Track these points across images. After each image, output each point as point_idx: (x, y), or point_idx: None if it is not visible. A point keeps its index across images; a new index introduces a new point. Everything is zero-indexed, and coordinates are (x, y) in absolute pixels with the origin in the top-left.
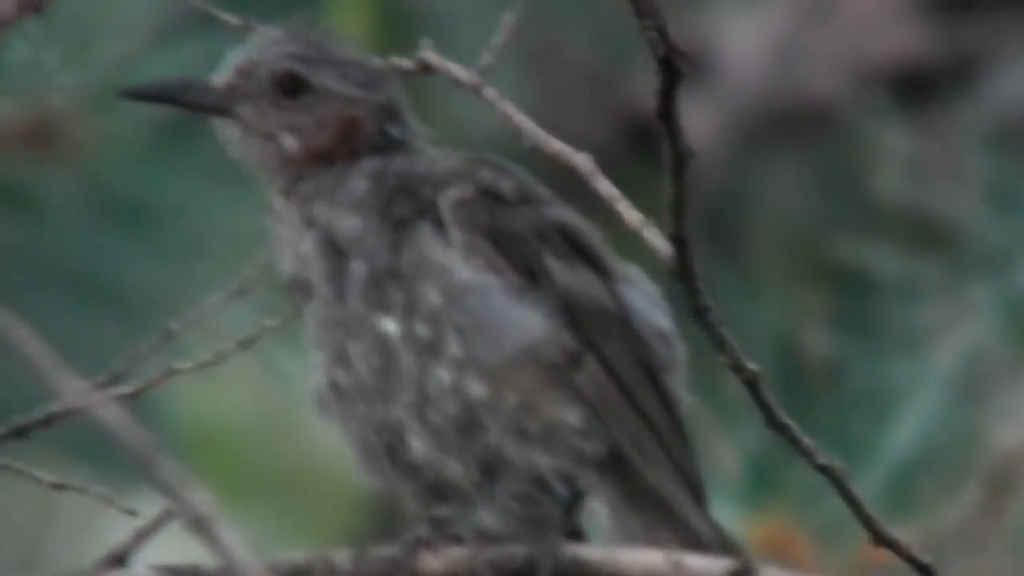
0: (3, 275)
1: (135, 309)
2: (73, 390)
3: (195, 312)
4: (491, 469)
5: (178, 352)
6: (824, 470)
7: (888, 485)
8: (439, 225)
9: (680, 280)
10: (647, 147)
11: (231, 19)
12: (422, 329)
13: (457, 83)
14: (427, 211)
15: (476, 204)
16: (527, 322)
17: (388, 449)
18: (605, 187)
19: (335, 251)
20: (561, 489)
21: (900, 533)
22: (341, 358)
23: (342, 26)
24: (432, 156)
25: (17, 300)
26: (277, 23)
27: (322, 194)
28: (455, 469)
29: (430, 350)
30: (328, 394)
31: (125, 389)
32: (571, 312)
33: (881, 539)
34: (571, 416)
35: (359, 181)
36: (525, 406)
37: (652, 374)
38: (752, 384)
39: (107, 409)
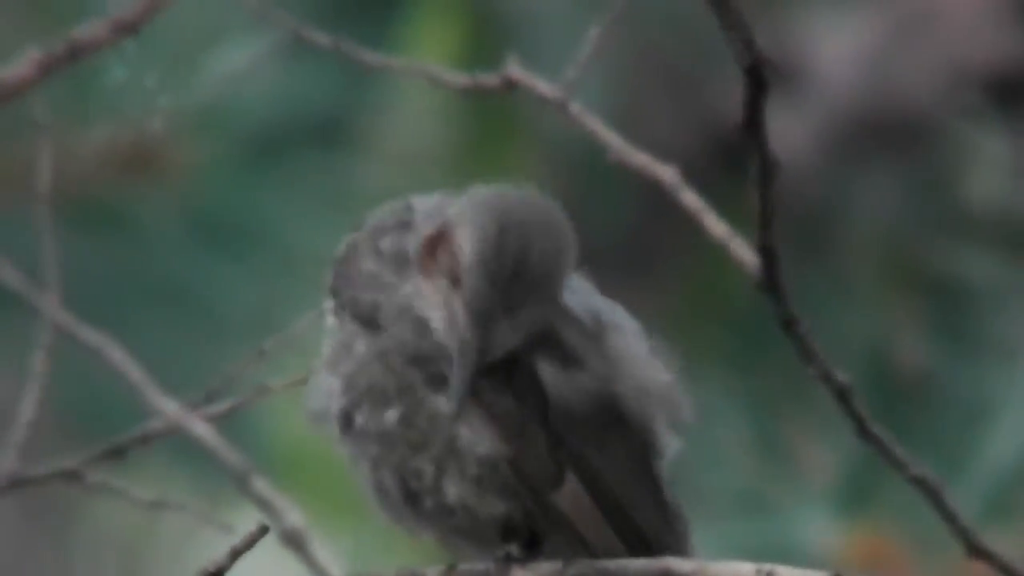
0: (100, 295)
1: (230, 328)
2: (169, 408)
3: (287, 331)
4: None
5: (272, 370)
6: (918, 481)
7: (985, 496)
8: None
9: (767, 292)
10: (736, 158)
11: (323, 40)
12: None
13: (542, 99)
14: None
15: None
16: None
17: (408, 494)
18: (691, 200)
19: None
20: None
21: (998, 545)
22: (369, 395)
23: (430, 38)
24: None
25: (114, 319)
26: (368, 42)
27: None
28: (499, 508)
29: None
30: (336, 424)
31: (219, 408)
32: (560, 422)
33: (978, 551)
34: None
35: None
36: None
37: (649, 465)
38: (842, 395)
39: (201, 427)
